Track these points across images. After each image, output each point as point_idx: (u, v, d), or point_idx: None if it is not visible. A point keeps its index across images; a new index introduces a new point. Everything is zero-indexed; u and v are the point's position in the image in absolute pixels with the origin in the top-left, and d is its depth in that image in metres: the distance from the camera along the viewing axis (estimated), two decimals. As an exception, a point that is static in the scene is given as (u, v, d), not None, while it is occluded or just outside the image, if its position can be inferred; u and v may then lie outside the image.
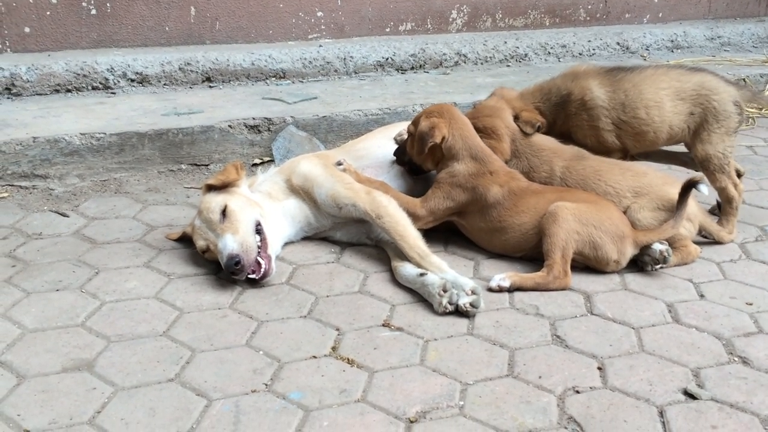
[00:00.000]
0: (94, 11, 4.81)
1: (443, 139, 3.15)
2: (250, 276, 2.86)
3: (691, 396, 2.28)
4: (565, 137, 3.49)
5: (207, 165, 4.07)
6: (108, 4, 4.83)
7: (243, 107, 4.40)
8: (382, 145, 3.52)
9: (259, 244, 2.95)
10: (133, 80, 4.73)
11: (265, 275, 2.88)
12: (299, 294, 2.85)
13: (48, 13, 4.71)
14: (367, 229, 3.26)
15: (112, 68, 4.67)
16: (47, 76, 4.53)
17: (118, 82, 4.69)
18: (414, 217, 3.11)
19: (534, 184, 3.20)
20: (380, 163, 3.46)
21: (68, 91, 4.59)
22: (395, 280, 2.96)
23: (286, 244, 3.25)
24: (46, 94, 4.53)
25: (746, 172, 3.98)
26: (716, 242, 3.34)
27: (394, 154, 3.41)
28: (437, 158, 3.23)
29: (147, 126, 4.01)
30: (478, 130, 3.31)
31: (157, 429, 2.08)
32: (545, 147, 3.34)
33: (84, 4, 4.77)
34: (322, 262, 3.13)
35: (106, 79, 4.66)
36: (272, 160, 4.11)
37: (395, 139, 3.45)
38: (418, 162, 3.29)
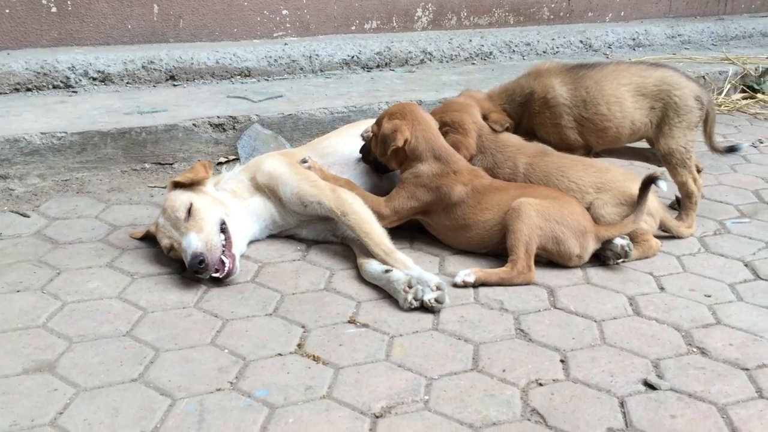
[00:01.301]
0: (54, 9, 4.75)
1: (406, 141, 3.17)
2: (214, 275, 2.85)
3: (651, 386, 2.31)
4: (530, 135, 3.53)
5: (171, 164, 4.05)
6: (69, 2, 4.77)
7: (207, 105, 4.38)
8: (347, 142, 3.53)
9: (224, 242, 2.95)
10: (95, 79, 4.68)
11: (229, 274, 2.88)
12: (265, 292, 2.85)
13: (7, 11, 4.64)
14: (333, 226, 3.27)
15: (73, 67, 4.62)
16: (7, 75, 4.46)
17: (80, 80, 4.64)
18: (379, 215, 3.12)
19: (497, 181, 3.23)
20: (346, 160, 3.47)
21: (28, 90, 4.53)
22: (361, 277, 2.97)
23: (252, 242, 3.24)
24: (6, 93, 4.47)
25: (705, 168, 4.08)
26: (676, 237, 3.40)
27: (360, 151, 3.42)
28: (401, 158, 3.24)
29: (109, 125, 3.97)
30: (445, 124, 3.34)
31: (120, 429, 2.06)
32: (510, 144, 3.37)
33: (44, 1, 4.71)
34: (288, 260, 3.13)
35: (68, 78, 4.61)
36: (237, 159, 4.10)
37: (362, 135, 3.47)
38: (382, 161, 3.30)
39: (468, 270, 2.94)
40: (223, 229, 2.99)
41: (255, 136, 4.17)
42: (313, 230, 3.30)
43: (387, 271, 2.86)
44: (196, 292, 2.83)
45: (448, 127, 3.35)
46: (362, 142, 3.43)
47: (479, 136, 3.37)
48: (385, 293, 2.85)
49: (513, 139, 3.40)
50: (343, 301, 2.80)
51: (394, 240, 3.04)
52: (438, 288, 2.74)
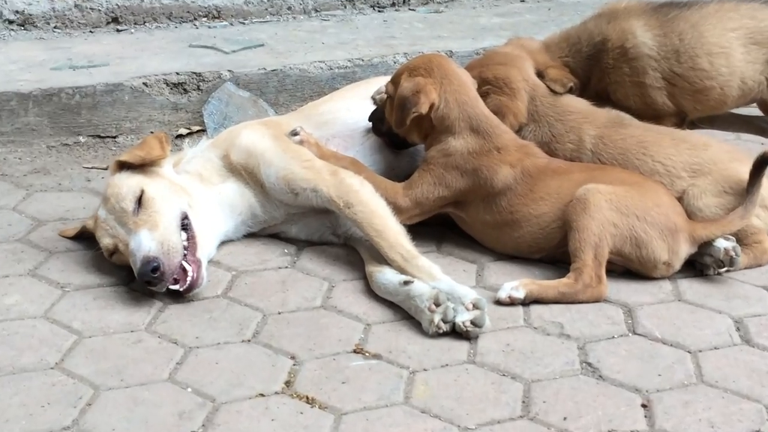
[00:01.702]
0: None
1: (432, 106, 3.16)
2: (172, 287, 2.87)
3: (765, 442, 2.31)
4: (602, 98, 3.53)
5: (114, 137, 4.06)
6: None
7: (163, 58, 4.39)
8: (352, 108, 3.53)
9: (186, 243, 2.96)
10: (11, 22, 4.71)
11: (192, 286, 2.89)
12: (241, 310, 2.86)
13: None
14: (333, 222, 3.28)
15: (-19, 6, 4.65)
16: None
17: (-9, 24, 4.69)
18: (396, 208, 3.13)
19: (556, 161, 3.23)
20: (350, 132, 3.47)
21: None
22: (371, 291, 2.98)
23: (223, 243, 3.25)
24: None
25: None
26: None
27: (370, 120, 3.42)
28: (425, 130, 3.24)
29: (31, 84, 3.99)
30: (486, 82, 3.35)
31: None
32: (573, 110, 3.38)
33: None
34: (272, 267, 3.14)
35: (-26, 21, 4.66)
36: (204, 131, 4.12)
37: (373, 98, 3.46)
38: (400, 134, 3.30)
39: (516, 282, 2.94)
40: (185, 226, 3.00)
41: (227, 99, 4.19)
42: (306, 227, 3.31)
43: (406, 282, 2.87)
44: (149, 311, 2.84)
45: (489, 87, 3.34)
46: (373, 108, 3.43)
47: (532, 99, 3.37)
48: (404, 313, 2.85)
49: (578, 104, 3.40)
50: (346, 323, 2.80)
51: (416, 241, 3.05)
52: (475, 306, 2.74)
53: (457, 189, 3.17)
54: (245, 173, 3.25)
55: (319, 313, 2.86)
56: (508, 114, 3.30)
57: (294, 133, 3.27)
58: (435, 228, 3.34)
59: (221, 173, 3.26)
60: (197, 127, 4.15)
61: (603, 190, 3.00)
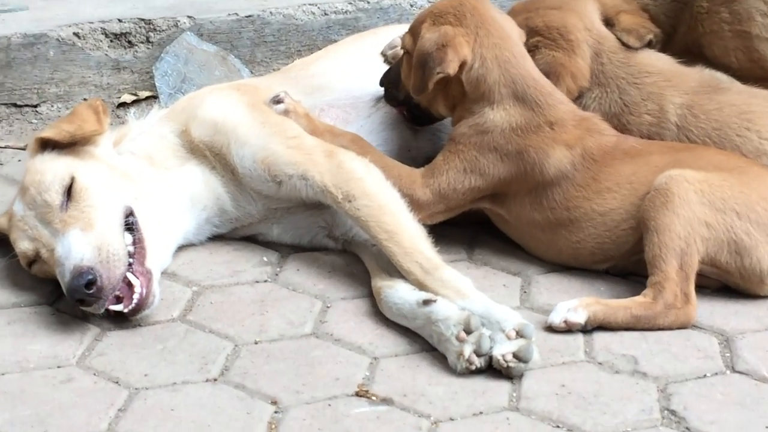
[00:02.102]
0: None
1: (464, 66, 3.18)
2: (114, 307, 2.90)
3: None
4: (693, 55, 3.54)
5: (35, 106, 4.11)
6: None
7: (101, 0, 4.42)
8: (355, 67, 3.57)
9: (132, 248, 2.99)
10: None
11: (140, 306, 2.92)
12: (205, 339, 2.89)
13: None
14: (328, 220, 3.32)
15: None
16: None
17: None
18: (414, 202, 3.16)
19: (629, 139, 3.25)
20: (353, 100, 3.50)
21: None
22: (379, 314, 3.00)
23: (182, 248, 3.29)
24: None
25: None
26: None
27: (381, 84, 3.43)
28: (453, 98, 3.27)
29: None
30: (535, 33, 3.38)
31: None
32: (653, 70, 3.39)
33: None
34: (247, 280, 3.17)
35: None
36: (155, 97, 4.14)
37: (384, 55, 3.48)
38: (420, 102, 3.31)
39: (574, 301, 2.95)
40: (131, 225, 3.04)
41: (186, 55, 4.21)
42: (292, 228, 3.35)
43: (427, 302, 2.88)
44: (82, 339, 2.87)
45: (539, 39, 3.37)
46: (384, 68, 3.45)
47: (596, 55, 3.39)
48: (424, 343, 2.87)
49: (659, 63, 3.42)
50: (346, 356, 2.82)
51: (440, 246, 3.07)
52: (519, 334, 2.76)
53: (495, 177, 3.20)
54: (211, 155, 3.27)
55: (309, 343, 2.88)
56: (565, 75, 3.32)
57: (277, 101, 3.29)
58: (465, 229, 3.37)
59: (179, 155, 3.29)
60: (146, 93, 4.17)
61: (691, 179, 3.01)
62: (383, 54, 3.50)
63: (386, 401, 2.65)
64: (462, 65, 3.17)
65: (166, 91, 4.11)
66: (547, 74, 3.29)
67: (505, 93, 3.20)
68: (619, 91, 3.38)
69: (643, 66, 3.40)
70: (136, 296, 2.92)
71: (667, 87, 3.35)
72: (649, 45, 3.46)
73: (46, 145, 3.13)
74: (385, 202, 3.10)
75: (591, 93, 3.39)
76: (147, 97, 4.18)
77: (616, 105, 3.37)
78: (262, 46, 4.39)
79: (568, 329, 2.93)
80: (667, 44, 3.54)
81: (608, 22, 3.46)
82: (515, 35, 3.30)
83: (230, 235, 3.38)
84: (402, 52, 3.33)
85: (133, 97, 4.20)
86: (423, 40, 3.19)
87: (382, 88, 3.45)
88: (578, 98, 3.36)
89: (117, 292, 2.89)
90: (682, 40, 3.57)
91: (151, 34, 4.24)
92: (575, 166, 3.16)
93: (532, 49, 3.34)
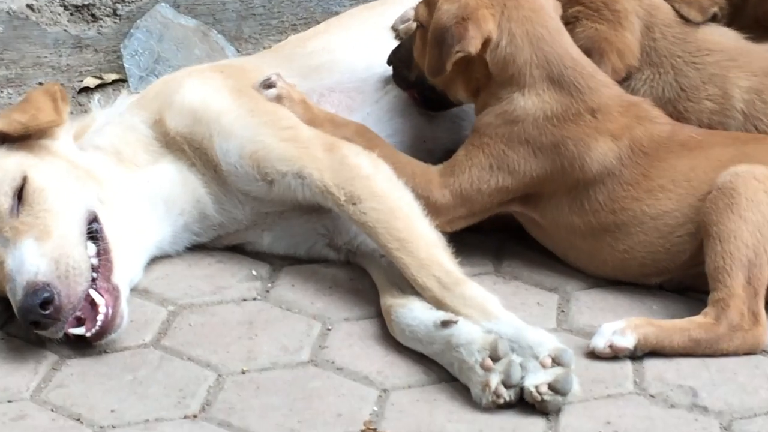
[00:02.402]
0: None
1: (488, 43, 3.24)
2: (75, 331, 2.97)
3: None
4: (764, 29, 3.60)
5: (-22, 91, 4.21)
6: None
7: (57, -37, 4.52)
8: (360, 44, 3.65)
9: (96, 261, 3.06)
10: None
11: (106, 329, 3.00)
12: (183, 367, 2.97)
13: None
14: (329, 227, 3.41)
15: None
16: None
17: None
18: (430, 205, 3.24)
19: (686, 129, 3.32)
20: (358, 83, 3.58)
21: None
22: (389, 337, 3.08)
23: (155, 260, 3.37)
24: None
25: None
26: None
27: (390, 63, 3.51)
28: (476, 81, 3.34)
29: None
30: (572, 1, 3.45)
31: None
32: (716, 47, 3.46)
33: None
34: (233, 298, 3.26)
35: None
36: (123, 81, 4.21)
37: (394, 29, 3.58)
38: (436, 86, 3.39)
39: (621, 322, 3.01)
40: (94, 233, 3.11)
41: (161, 31, 4.28)
42: (286, 236, 3.44)
43: (446, 323, 2.95)
44: (37, 369, 2.95)
45: (580, 10, 3.45)
46: (395, 44, 3.53)
47: (647, 28, 3.46)
48: (442, 372, 2.94)
49: (723, 39, 3.49)
50: (350, 387, 2.90)
51: (462, 256, 3.15)
52: (556, 361, 2.83)
53: (526, 175, 3.27)
54: (189, 149, 3.35)
55: (306, 372, 2.95)
56: (610, 53, 3.39)
57: (268, 85, 3.36)
58: (492, 237, 3.44)
59: (151, 150, 3.37)
60: (113, 76, 4.23)
61: (761, 176, 3.08)
62: (394, 28, 3.58)
63: (398, 441, 2.72)
64: (486, 42, 3.23)
65: (137, 74, 4.16)
66: (588, 52, 3.35)
67: (538, 75, 3.27)
68: (674, 72, 3.44)
69: (703, 43, 3.46)
70: (100, 317, 2.97)
71: (732, 68, 3.41)
72: (714, 19, 3.51)
73: (-5, 138, 3.17)
74: (396, 205, 3.16)
75: (641, 74, 3.45)
76: (114, 81, 4.23)
77: (671, 89, 3.44)
78: (249, 19, 4.44)
79: (614, 355, 2.98)
80: (733, 18, 3.59)
81: None
82: (549, 6, 3.35)
83: (213, 244, 3.45)
84: (415, 25, 3.38)
85: (98, 81, 4.24)
86: (440, 12, 3.23)
87: (391, 69, 3.50)
88: (625, 80, 3.42)
89: (78, 313, 2.96)
90: (753, 12, 3.62)
91: (119, 5, 4.29)
92: (622, 161, 3.22)
93: (570, 22, 3.41)
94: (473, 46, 3.21)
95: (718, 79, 3.42)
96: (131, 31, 4.30)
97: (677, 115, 3.40)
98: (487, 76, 3.32)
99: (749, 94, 3.39)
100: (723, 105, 3.40)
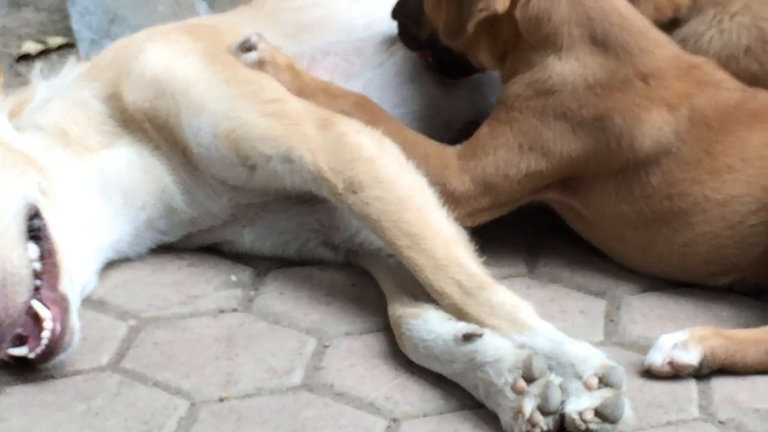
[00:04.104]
0: None
1: (516, 1, 3.12)
2: (14, 351, 2.82)
3: None
4: None
5: None
6: None
7: None
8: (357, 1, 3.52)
9: (39, 265, 2.91)
10: None
11: (52, 348, 2.82)
12: (147, 395, 2.80)
13: None
14: (325, 221, 3.26)
15: None
16: None
17: None
18: (447, 194, 3.09)
19: (761, 95, 3.15)
20: (357, 44, 3.47)
21: None
22: (399, 354, 2.91)
23: (113, 263, 3.24)
24: None
25: None
26: None
27: (394, 16, 3.37)
28: (503, 43, 3.23)
29: None
30: None
31: None
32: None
33: None
34: (208, 309, 3.12)
35: None
36: (71, 45, 4.14)
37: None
38: (454, 48, 3.26)
39: (684, 333, 2.83)
40: (36, 231, 2.96)
41: (117, -15, 4.24)
42: (272, 232, 3.30)
43: (468, 336, 2.77)
44: (-32, 396, 2.80)
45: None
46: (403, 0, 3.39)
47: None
48: (465, 396, 2.77)
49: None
50: (351, 417, 2.73)
51: (488, 254, 2.99)
52: (604, 382, 2.65)
53: (564, 156, 3.14)
54: (152, 129, 3.21)
55: (298, 399, 2.80)
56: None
57: (247, 48, 3.23)
58: (525, 231, 3.34)
59: (106, 130, 3.24)
60: (59, 40, 4.15)
61: None
62: (396, -18, 3.40)
63: (411, 485, 2.58)
64: (514, 1, 3.13)
65: (87, 37, 4.04)
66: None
67: (578, 35, 3.16)
68: (750, 14, 3.28)
69: None
70: (46, 334, 2.82)
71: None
72: None
73: None
74: (406, 193, 3.02)
75: (702, 15, 3.33)
76: (60, 47, 4.16)
77: (749, 35, 3.28)
78: (226, -31, 4.33)
79: (676, 373, 2.81)
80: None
81: None
82: None
83: (183, 244, 3.34)
84: (424, -20, 3.28)
85: (40, 47, 4.17)
86: None
87: (397, 27, 3.41)
88: (677, 25, 3.34)
89: (19, 329, 2.81)
90: None
91: (65, -45, 4.21)
92: (681, 136, 3.09)
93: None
94: (501, 3, 3.12)
95: None
96: (81, -16, 4.18)
97: (750, 78, 3.26)
98: (516, 37, 3.22)
99: None
100: None
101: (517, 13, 3.15)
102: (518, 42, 3.20)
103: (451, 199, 3.10)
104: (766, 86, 3.22)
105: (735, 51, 3.29)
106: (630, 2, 3.23)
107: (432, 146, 3.20)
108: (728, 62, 3.27)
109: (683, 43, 3.30)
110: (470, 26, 3.12)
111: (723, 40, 3.29)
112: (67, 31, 4.12)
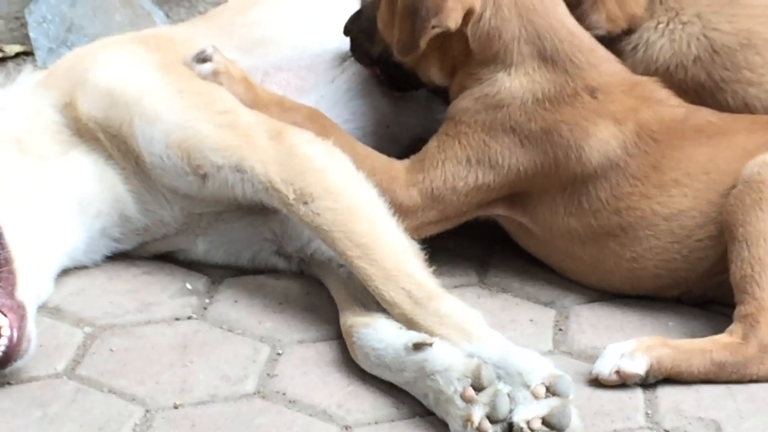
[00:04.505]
0: None
1: (470, 15, 3.15)
2: None
3: None
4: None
5: None
6: None
7: None
8: (312, 13, 3.56)
9: None
10: None
11: (9, 355, 2.85)
12: (103, 401, 2.83)
13: None
14: (277, 231, 3.29)
15: None
16: None
17: None
18: (396, 206, 3.12)
19: (704, 112, 3.20)
20: (310, 59, 3.49)
21: None
22: (351, 363, 2.94)
23: (68, 271, 3.25)
24: None
25: None
26: None
27: (346, 32, 3.40)
28: (453, 59, 3.26)
29: None
30: None
31: None
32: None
33: None
34: (163, 317, 3.14)
35: None
36: (27, 53, 4.15)
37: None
38: (405, 64, 3.29)
39: (631, 343, 2.88)
40: None
41: (74, -7, 4.24)
42: (225, 241, 3.33)
43: (418, 346, 2.81)
44: None
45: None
46: (354, 12, 3.42)
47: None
48: (415, 403, 2.81)
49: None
50: (304, 424, 2.77)
51: (438, 265, 3.03)
52: (551, 391, 2.70)
53: (512, 170, 3.17)
54: (106, 138, 3.23)
55: (252, 406, 2.83)
56: (600, 7, 3.31)
57: (202, 59, 3.25)
58: (475, 242, 3.37)
59: (60, 138, 3.25)
60: (16, 48, 4.15)
61: None
62: (355, -6, 3.43)
63: (363, 491, 2.61)
64: (468, 14, 3.15)
65: (45, 46, 4.06)
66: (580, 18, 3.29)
67: (528, 52, 3.20)
68: (701, 24, 3.33)
69: None
70: (3, 341, 2.84)
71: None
72: None
73: None
74: (356, 203, 3.05)
75: (653, 22, 3.37)
76: (16, 55, 4.17)
77: (699, 45, 3.32)
78: (182, -21, 4.33)
79: (623, 382, 2.87)
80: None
81: None
82: None
83: (138, 252, 3.36)
84: (380, -8, 3.29)
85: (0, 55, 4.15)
86: None
87: (350, 42, 3.43)
88: (629, 33, 3.36)
89: None
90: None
91: (22, -37, 4.22)
92: (627, 150, 3.13)
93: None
94: (453, 20, 3.13)
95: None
96: (38, -8, 4.19)
97: (709, 82, 3.30)
98: (466, 54, 3.25)
99: None
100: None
101: (468, 30, 3.18)
102: (468, 58, 3.23)
103: (398, 212, 3.13)
104: (713, 95, 3.26)
105: (684, 60, 3.31)
106: (583, 13, 3.25)
107: (381, 159, 3.22)
108: (677, 70, 3.30)
109: (634, 50, 3.34)
110: (423, 42, 3.13)
111: (673, 48, 3.32)
112: (25, 39, 4.15)
